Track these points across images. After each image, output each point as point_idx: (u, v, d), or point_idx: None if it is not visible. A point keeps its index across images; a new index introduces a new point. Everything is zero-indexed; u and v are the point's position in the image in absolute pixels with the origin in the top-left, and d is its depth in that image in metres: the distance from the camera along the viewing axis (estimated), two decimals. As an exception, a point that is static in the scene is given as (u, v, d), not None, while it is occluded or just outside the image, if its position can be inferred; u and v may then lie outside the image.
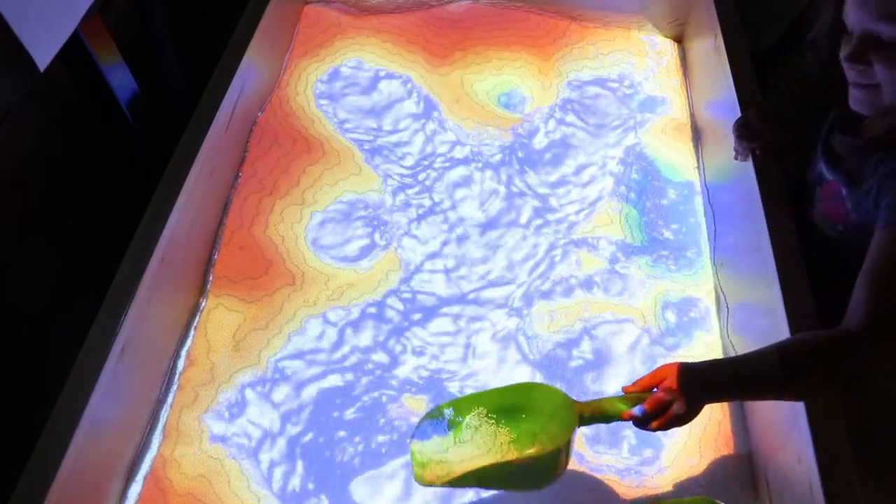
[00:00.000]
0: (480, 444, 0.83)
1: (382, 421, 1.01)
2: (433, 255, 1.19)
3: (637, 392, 0.83)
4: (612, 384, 1.05)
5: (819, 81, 0.90)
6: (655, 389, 0.82)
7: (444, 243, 1.21)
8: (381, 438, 0.99)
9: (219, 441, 0.98)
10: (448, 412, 0.87)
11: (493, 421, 0.84)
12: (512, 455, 0.81)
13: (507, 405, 0.86)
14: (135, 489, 0.94)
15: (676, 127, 1.38)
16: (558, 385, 1.05)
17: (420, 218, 1.23)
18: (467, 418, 0.85)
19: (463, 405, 0.88)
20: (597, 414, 0.83)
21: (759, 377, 0.76)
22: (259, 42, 1.25)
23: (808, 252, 0.95)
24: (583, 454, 0.99)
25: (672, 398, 0.78)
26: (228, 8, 1.30)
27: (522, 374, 1.06)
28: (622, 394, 0.85)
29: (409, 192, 1.27)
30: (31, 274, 1.05)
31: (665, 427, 0.80)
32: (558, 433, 0.81)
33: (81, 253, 1.13)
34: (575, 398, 1.05)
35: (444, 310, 1.13)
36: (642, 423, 0.81)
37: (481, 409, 0.86)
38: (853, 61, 0.74)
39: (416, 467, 0.84)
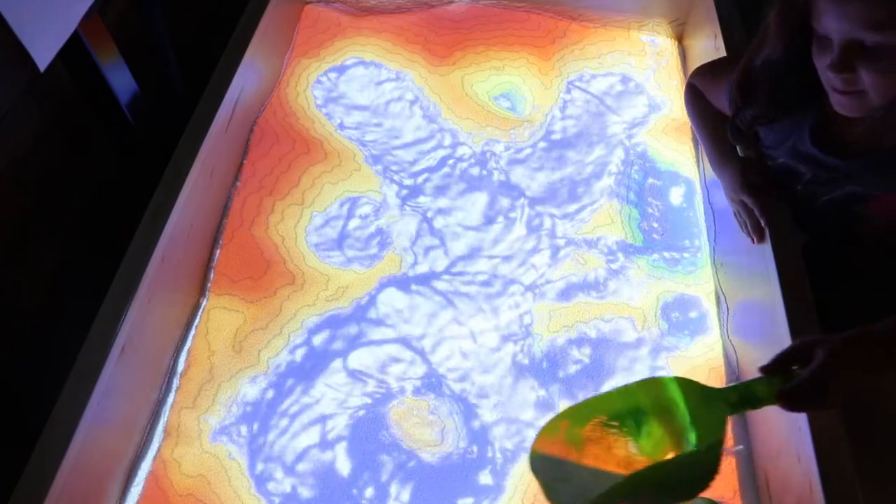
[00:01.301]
0: (609, 458, 0.70)
1: (384, 422, 1.01)
2: (433, 255, 1.19)
3: (778, 369, 0.73)
4: (612, 385, 1.05)
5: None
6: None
7: (444, 243, 1.21)
8: (382, 440, 0.99)
9: (219, 441, 0.98)
10: (568, 427, 0.73)
11: (624, 427, 0.71)
12: (665, 456, 0.68)
13: (634, 408, 0.73)
14: (135, 489, 0.94)
15: (676, 127, 1.38)
16: (556, 386, 1.05)
17: (420, 218, 1.23)
18: (589, 430, 0.72)
19: (583, 414, 0.74)
20: (745, 399, 0.71)
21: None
22: (259, 42, 1.25)
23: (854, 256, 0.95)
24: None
25: (826, 377, 0.70)
26: (228, 8, 1.30)
27: (521, 375, 1.06)
28: (760, 376, 0.74)
29: (409, 192, 1.27)
30: (31, 274, 1.05)
31: (820, 407, 0.72)
32: (708, 427, 0.69)
33: (81, 253, 1.13)
34: (577, 399, 1.05)
35: (444, 309, 1.13)
36: (794, 403, 0.71)
37: (601, 417, 0.72)
38: (839, 70, 0.73)
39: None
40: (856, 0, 0.69)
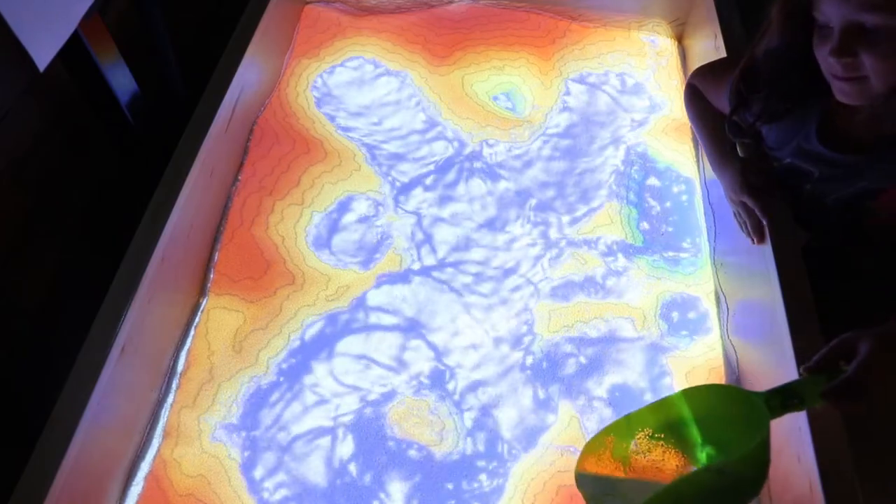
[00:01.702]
0: (657, 471, 0.72)
1: (384, 422, 1.01)
2: (432, 255, 1.19)
3: (821, 368, 0.72)
4: (612, 385, 1.05)
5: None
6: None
7: (444, 243, 1.21)
8: (382, 440, 0.99)
9: (219, 441, 0.98)
10: (614, 442, 0.75)
11: (671, 439, 0.73)
12: (696, 468, 0.70)
13: (677, 419, 0.74)
14: (135, 489, 0.94)
15: (676, 127, 1.38)
16: (556, 386, 1.05)
17: (420, 218, 1.23)
18: (633, 444, 0.74)
19: (627, 428, 0.76)
20: (789, 401, 0.71)
21: None
22: (259, 42, 1.25)
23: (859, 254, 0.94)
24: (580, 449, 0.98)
25: (868, 375, 0.68)
26: (228, 8, 1.30)
27: (521, 374, 1.06)
28: (799, 377, 0.74)
29: (409, 192, 1.27)
30: (31, 274, 1.05)
31: (868, 405, 0.69)
32: (749, 433, 0.69)
33: (81, 253, 1.13)
34: (577, 399, 1.05)
35: (444, 310, 1.13)
36: (842, 401, 0.70)
37: (645, 430, 0.74)
38: (840, 55, 0.73)
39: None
40: None
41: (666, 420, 0.75)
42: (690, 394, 0.76)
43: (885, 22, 0.69)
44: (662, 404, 0.76)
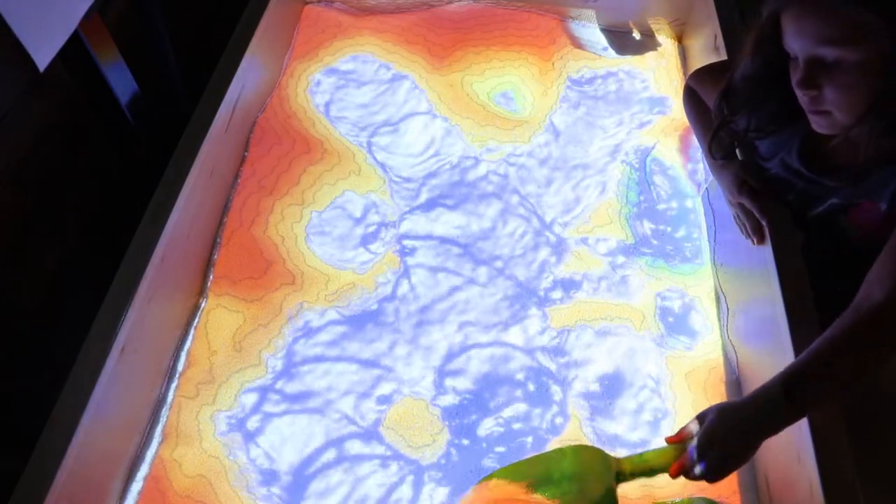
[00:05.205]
0: None
1: (382, 422, 1.01)
2: (433, 255, 1.19)
3: (680, 441, 0.80)
4: (612, 384, 1.06)
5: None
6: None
7: (444, 243, 1.21)
8: (381, 440, 1.00)
9: (219, 440, 0.98)
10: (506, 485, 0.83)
11: (549, 490, 0.81)
12: None
13: (539, 476, 0.83)
14: (135, 489, 0.94)
15: (676, 127, 1.38)
16: (557, 385, 1.05)
17: (419, 218, 1.23)
18: (522, 489, 0.82)
19: (516, 473, 0.85)
20: (637, 469, 0.81)
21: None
22: (259, 42, 1.25)
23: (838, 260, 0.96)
24: (583, 454, 0.99)
25: (706, 447, 0.76)
26: (228, 8, 1.30)
27: (521, 374, 1.06)
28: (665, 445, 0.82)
29: (409, 192, 1.27)
30: (31, 274, 1.05)
31: (720, 477, 0.76)
32: (587, 495, 0.78)
33: (81, 253, 1.13)
34: (578, 398, 1.05)
35: (443, 308, 1.13)
36: (689, 474, 0.78)
37: (526, 481, 0.82)
38: (804, 87, 0.75)
39: None
40: (810, 17, 0.72)
41: (546, 472, 0.82)
42: (563, 452, 0.85)
43: (841, 55, 0.71)
44: (541, 458, 0.85)
